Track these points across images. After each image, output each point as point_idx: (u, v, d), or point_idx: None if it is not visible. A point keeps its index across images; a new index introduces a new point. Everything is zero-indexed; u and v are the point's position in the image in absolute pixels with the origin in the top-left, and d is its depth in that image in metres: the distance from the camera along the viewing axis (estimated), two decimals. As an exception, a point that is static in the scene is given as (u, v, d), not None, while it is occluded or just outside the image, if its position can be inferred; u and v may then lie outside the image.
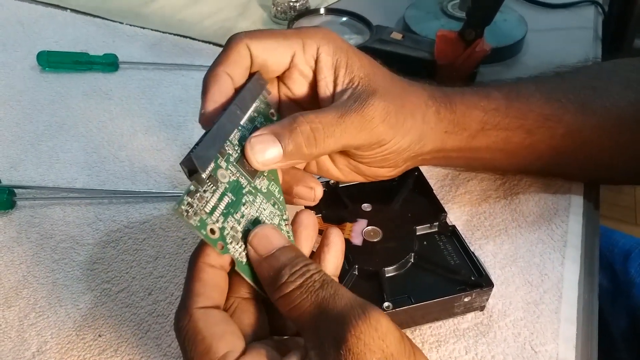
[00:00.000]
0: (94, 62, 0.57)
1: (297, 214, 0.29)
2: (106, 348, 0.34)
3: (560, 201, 0.43)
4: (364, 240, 0.37)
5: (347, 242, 0.37)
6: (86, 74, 0.57)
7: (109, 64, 0.57)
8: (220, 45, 0.61)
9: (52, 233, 0.41)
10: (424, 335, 0.35)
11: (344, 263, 0.35)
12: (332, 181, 0.41)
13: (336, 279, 0.28)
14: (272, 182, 0.29)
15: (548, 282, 0.37)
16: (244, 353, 0.24)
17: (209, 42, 0.61)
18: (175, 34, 0.63)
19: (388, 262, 0.35)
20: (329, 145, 0.29)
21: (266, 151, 0.27)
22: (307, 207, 0.31)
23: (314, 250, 0.30)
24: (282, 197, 0.29)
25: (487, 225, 0.41)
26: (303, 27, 0.32)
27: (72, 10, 0.67)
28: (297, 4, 0.64)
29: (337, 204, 0.40)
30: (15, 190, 0.43)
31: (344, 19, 0.64)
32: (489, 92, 0.38)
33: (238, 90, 0.29)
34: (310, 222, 0.29)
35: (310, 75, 0.32)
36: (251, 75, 0.30)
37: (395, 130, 0.31)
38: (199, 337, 0.24)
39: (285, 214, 0.29)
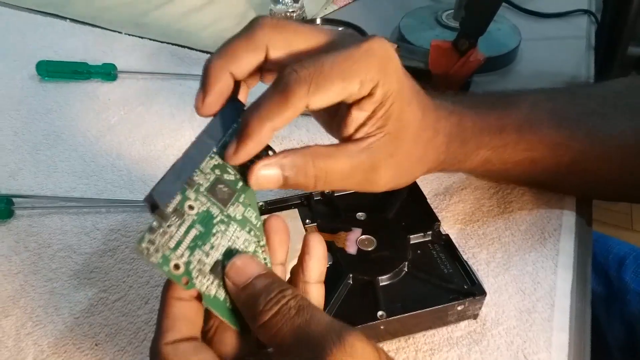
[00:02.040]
0: (92, 71, 0.58)
1: (265, 221, 0.28)
2: (103, 357, 0.34)
3: (553, 209, 0.43)
4: (359, 249, 0.37)
5: (342, 251, 0.37)
6: (85, 83, 0.58)
7: (108, 73, 0.58)
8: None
9: (49, 242, 0.42)
10: (417, 343, 0.35)
11: (340, 272, 0.36)
12: (327, 191, 0.41)
13: (321, 286, 0.28)
14: (248, 208, 0.28)
15: (541, 290, 0.38)
16: None
17: (207, 52, 0.62)
18: (173, 44, 0.63)
19: (382, 271, 0.36)
20: (333, 185, 0.30)
21: (268, 181, 0.28)
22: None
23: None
24: (259, 223, 0.28)
25: (481, 233, 0.42)
26: (357, 47, 0.28)
27: (72, 19, 0.67)
28: (294, 14, 0.65)
29: (331, 213, 0.41)
30: (14, 200, 0.44)
31: (340, 29, 0.65)
32: (503, 125, 0.38)
33: (215, 115, 0.28)
34: (279, 227, 0.28)
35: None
36: (230, 98, 0.28)
37: (397, 184, 0.33)
38: None
39: (263, 239, 0.28)
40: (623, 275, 0.59)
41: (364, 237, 0.38)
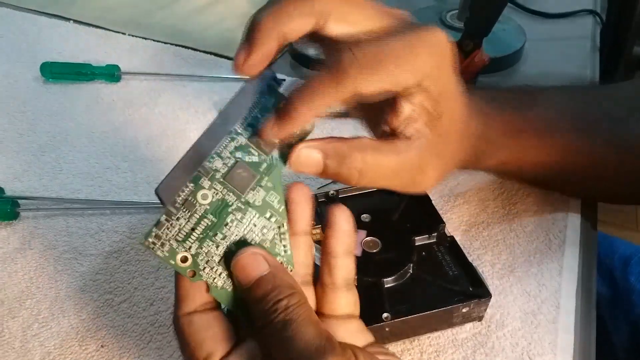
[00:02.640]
0: (96, 72, 0.58)
1: (287, 191, 0.27)
2: (109, 358, 0.35)
3: (558, 211, 0.43)
4: (363, 251, 0.37)
5: (347, 253, 0.37)
6: (89, 84, 0.58)
7: (111, 74, 0.58)
8: (221, 56, 0.61)
9: (55, 244, 0.42)
10: (422, 345, 0.35)
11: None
12: (331, 192, 0.41)
13: (350, 258, 0.27)
14: (271, 192, 0.27)
15: (546, 292, 0.38)
16: (228, 354, 0.25)
17: (211, 53, 0.62)
18: (177, 45, 0.63)
19: (387, 273, 0.36)
20: (375, 182, 0.28)
21: (308, 163, 0.26)
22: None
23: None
24: (282, 207, 0.27)
25: (486, 235, 0.42)
26: (417, 36, 0.26)
27: (75, 21, 0.68)
28: (298, 15, 0.65)
29: (336, 215, 0.40)
30: (19, 201, 0.44)
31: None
32: (525, 128, 0.37)
33: (235, 94, 0.27)
34: (300, 197, 0.27)
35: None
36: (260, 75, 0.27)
37: (436, 184, 0.31)
38: (185, 343, 0.25)
39: (285, 225, 0.27)
40: (628, 276, 0.59)
41: (368, 238, 0.38)
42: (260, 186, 0.27)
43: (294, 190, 0.27)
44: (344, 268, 0.27)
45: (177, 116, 0.54)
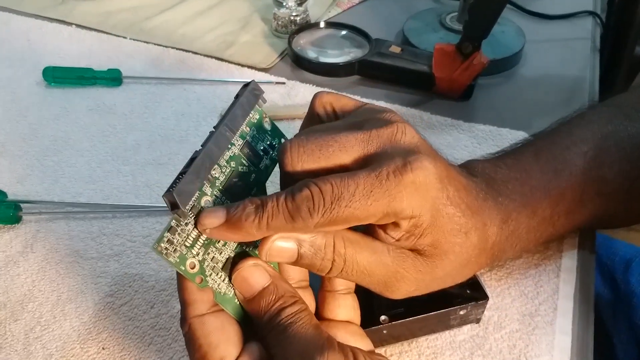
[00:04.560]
0: (98, 77, 0.58)
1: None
2: (109, 361, 0.35)
3: (556, 213, 0.43)
4: (362, 254, 0.37)
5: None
6: (90, 89, 0.58)
7: (113, 79, 0.58)
8: (222, 60, 0.62)
9: (57, 247, 0.42)
10: (420, 347, 0.35)
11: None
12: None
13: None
14: None
15: (543, 294, 0.38)
16: (238, 356, 0.26)
17: (211, 57, 0.63)
18: (177, 49, 0.64)
19: (385, 276, 0.36)
20: (348, 277, 0.27)
21: (280, 254, 0.25)
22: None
23: None
24: None
25: (484, 237, 0.42)
26: (388, 173, 0.25)
27: (77, 25, 0.68)
28: (298, 18, 0.65)
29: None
30: (21, 205, 0.44)
31: (344, 32, 0.65)
32: (555, 220, 0.35)
33: (230, 105, 0.28)
34: None
35: None
36: (245, 85, 0.29)
37: (413, 295, 0.29)
38: (197, 345, 0.25)
39: None
40: (629, 278, 0.59)
41: (367, 241, 0.38)
42: (251, 195, 0.28)
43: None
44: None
45: (178, 120, 0.54)
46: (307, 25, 0.65)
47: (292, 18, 0.65)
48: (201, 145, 0.26)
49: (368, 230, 0.27)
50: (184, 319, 0.26)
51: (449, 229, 0.27)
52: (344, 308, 0.29)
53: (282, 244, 0.25)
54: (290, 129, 0.52)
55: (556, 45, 0.66)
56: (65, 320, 0.37)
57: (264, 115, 0.30)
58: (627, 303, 0.57)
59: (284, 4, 0.64)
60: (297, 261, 0.26)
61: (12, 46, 0.65)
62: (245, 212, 0.24)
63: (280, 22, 0.66)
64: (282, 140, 0.30)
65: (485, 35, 0.53)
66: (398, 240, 0.26)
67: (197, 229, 0.25)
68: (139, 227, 0.44)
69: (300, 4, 0.65)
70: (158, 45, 0.64)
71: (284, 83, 0.58)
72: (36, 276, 0.40)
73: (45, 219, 0.44)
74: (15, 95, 0.58)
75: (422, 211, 0.26)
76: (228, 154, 0.27)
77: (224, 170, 0.27)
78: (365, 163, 0.26)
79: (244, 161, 0.28)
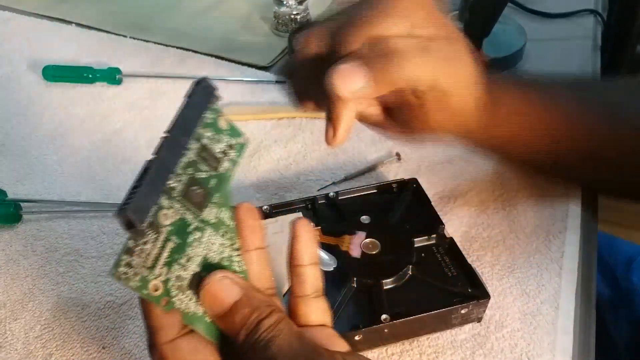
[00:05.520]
0: (98, 75, 0.58)
1: (235, 213, 0.27)
2: (109, 360, 0.35)
3: (557, 211, 0.43)
4: (363, 253, 0.37)
5: (346, 254, 0.37)
6: (90, 87, 0.58)
7: (113, 77, 0.58)
8: (222, 58, 0.62)
9: (57, 246, 0.42)
10: (421, 346, 0.35)
11: (344, 275, 0.36)
12: (331, 193, 0.41)
13: (316, 267, 0.27)
14: (223, 208, 0.26)
15: (545, 293, 0.38)
16: None
17: (212, 55, 0.62)
18: (177, 47, 0.63)
19: (386, 275, 0.36)
20: (411, 71, 0.30)
21: (353, 81, 0.28)
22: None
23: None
24: (232, 224, 0.26)
25: (485, 236, 0.42)
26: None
27: (77, 24, 0.68)
28: (298, 16, 0.65)
29: (336, 217, 0.41)
30: (22, 204, 0.44)
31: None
32: (529, 98, 0.38)
33: (182, 106, 0.25)
34: (247, 216, 0.27)
35: None
36: (197, 83, 0.26)
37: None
38: None
39: (237, 242, 0.26)
40: (631, 277, 0.59)
41: (368, 240, 0.38)
42: (213, 202, 0.26)
43: (240, 211, 0.27)
44: (312, 276, 0.27)
45: (178, 118, 0.54)
46: (308, 24, 0.65)
47: (292, 16, 0.65)
48: (153, 154, 0.24)
49: None
50: (153, 347, 0.24)
51: (454, 37, 0.32)
52: (316, 311, 0.28)
53: (349, 77, 0.29)
54: (290, 127, 0.52)
55: (557, 44, 0.66)
56: (65, 319, 0.37)
57: (220, 114, 0.27)
58: (628, 302, 0.57)
59: (285, 2, 0.64)
60: (373, 72, 0.29)
61: (12, 45, 0.65)
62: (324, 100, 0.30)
63: (280, 21, 0.65)
64: (241, 138, 0.27)
65: (486, 34, 0.53)
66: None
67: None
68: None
69: (300, 3, 0.65)
70: (158, 43, 0.64)
71: (284, 82, 0.58)
72: (36, 275, 0.40)
73: (45, 218, 0.44)
74: (15, 93, 0.58)
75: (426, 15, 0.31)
76: (184, 160, 0.24)
77: (180, 179, 0.24)
78: None
79: (201, 166, 0.25)
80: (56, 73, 0.58)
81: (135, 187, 0.23)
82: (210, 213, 0.25)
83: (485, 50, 0.54)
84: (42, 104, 0.56)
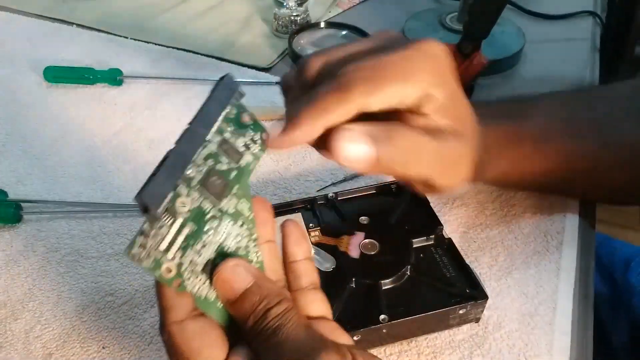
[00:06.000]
0: (99, 76, 0.58)
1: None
2: (109, 360, 0.35)
3: (555, 212, 0.43)
4: (361, 253, 0.37)
5: (345, 255, 0.37)
6: (91, 88, 0.58)
7: (114, 78, 0.58)
8: (223, 59, 0.62)
9: (57, 246, 0.42)
10: (420, 346, 0.35)
11: (342, 276, 0.36)
12: (330, 194, 0.42)
13: (310, 262, 0.28)
14: (242, 200, 0.27)
15: (543, 294, 0.38)
16: None
17: (212, 56, 0.63)
18: (178, 48, 0.64)
19: (385, 275, 0.36)
20: (421, 168, 0.29)
21: (356, 158, 0.26)
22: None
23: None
24: (251, 215, 0.27)
25: (484, 237, 0.42)
26: (413, 48, 0.27)
27: (78, 25, 0.68)
28: (298, 18, 0.65)
29: (335, 217, 0.41)
30: (22, 205, 0.45)
31: (344, 32, 0.65)
32: (521, 138, 0.38)
33: (205, 101, 0.26)
34: (263, 210, 0.28)
35: None
36: (220, 79, 0.27)
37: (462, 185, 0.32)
38: (178, 352, 0.25)
39: (255, 233, 0.27)
40: (629, 278, 0.59)
41: (366, 241, 0.38)
42: (233, 193, 0.27)
43: (255, 204, 0.28)
44: (307, 270, 0.28)
45: (178, 119, 0.54)
46: (308, 26, 0.65)
47: (292, 18, 0.65)
48: (174, 144, 0.25)
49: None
50: (163, 326, 0.25)
51: (465, 104, 0.30)
52: (315, 303, 0.28)
53: (355, 143, 0.26)
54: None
55: (556, 46, 0.66)
56: (66, 319, 0.37)
57: (242, 110, 0.28)
58: (626, 302, 0.57)
59: (285, 4, 0.65)
60: (378, 160, 0.26)
61: (13, 46, 0.65)
62: (299, 109, 0.26)
63: (280, 22, 0.66)
64: (264, 134, 0.28)
65: (485, 35, 0.53)
66: (427, 116, 0.28)
67: (268, 148, 0.26)
68: (139, 226, 0.44)
69: (300, 4, 0.65)
70: (159, 45, 0.65)
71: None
72: (37, 275, 0.40)
73: (46, 219, 0.45)
74: (16, 94, 0.58)
75: (447, 81, 0.28)
76: (205, 151, 0.26)
77: (200, 169, 0.25)
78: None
79: (222, 158, 0.26)
80: (57, 74, 0.58)
81: (153, 174, 0.24)
82: (229, 203, 0.26)
83: (484, 52, 0.54)
84: (43, 105, 0.56)
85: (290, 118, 0.26)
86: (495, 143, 0.36)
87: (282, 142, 0.26)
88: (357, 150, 0.26)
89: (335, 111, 0.26)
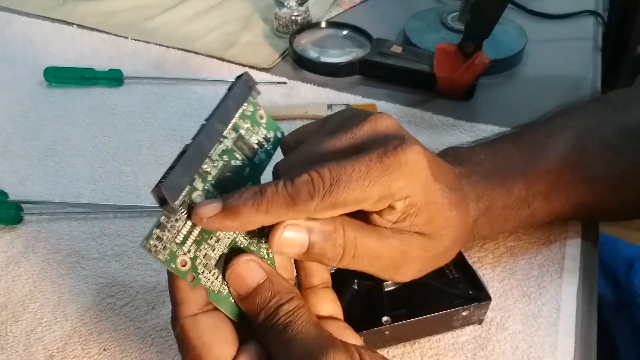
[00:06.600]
0: (99, 77, 0.58)
1: None
2: (111, 362, 0.35)
3: (559, 213, 0.43)
4: (364, 255, 0.37)
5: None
6: (92, 89, 0.58)
7: (114, 79, 0.58)
8: (223, 60, 0.62)
9: (58, 248, 0.42)
10: (422, 348, 0.35)
11: (345, 277, 0.36)
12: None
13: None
14: None
15: (546, 295, 0.38)
16: (235, 357, 0.25)
17: (212, 57, 0.62)
18: (179, 49, 0.64)
19: (387, 276, 0.36)
20: (359, 264, 0.28)
21: (291, 245, 0.25)
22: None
23: None
24: None
25: (486, 238, 0.42)
26: (380, 157, 0.26)
27: (78, 25, 0.68)
28: (299, 18, 0.65)
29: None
30: (23, 206, 0.44)
31: (345, 32, 0.65)
32: (530, 201, 0.36)
33: (222, 97, 0.27)
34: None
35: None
36: (238, 77, 0.28)
37: (421, 274, 0.31)
38: (190, 346, 0.25)
39: (266, 228, 0.27)
40: (632, 279, 0.58)
41: (369, 242, 0.38)
42: None
43: None
44: (319, 269, 0.28)
45: (179, 120, 0.54)
46: (308, 25, 0.65)
47: (293, 18, 0.65)
48: (192, 139, 0.25)
49: (365, 219, 0.28)
50: (176, 319, 0.25)
51: (441, 203, 0.29)
52: (326, 302, 0.28)
53: (292, 234, 0.25)
54: (290, 128, 0.52)
55: (558, 45, 0.66)
56: (67, 321, 0.37)
57: (258, 107, 0.28)
58: (630, 304, 0.57)
59: (285, 3, 0.64)
60: (309, 251, 0.25)
61: (13, 46, 0.65)
62: (243, 197, 0.24)
63: (281, 22, 0.65)
64: (277, 132, 0.29)
65: (487, 35, 0.53)
66: (395, 222, 0.27)
67: (192, 221, 0.24)
68: (140, 227, 0.44)
69: (301, 4, 0.65)
70: (159, 45, 0.64)
71: (285, 83, 0.58)
72: (37, 277, 0.40)
73: (47, 220, 0.44)
74: (16, 95, 0.58)
75: (416, 190, 0.27)
76: (220, 147, 0.26)
77: (216, 164, 0.26)
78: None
79: (237, 155, 0.27)
80: (58, 75, 0.58)
81: (171, 167, 0.24)
82: None
83: (486, 52, 0.54)
84: (44, 106, 0.56)
85: (233, 200, 0.24)
86: (503, 212, 0.35)
87: (211, 223, 0.24)
88: (291, 235, 0.25)
89: (279, 216, 0.25)
